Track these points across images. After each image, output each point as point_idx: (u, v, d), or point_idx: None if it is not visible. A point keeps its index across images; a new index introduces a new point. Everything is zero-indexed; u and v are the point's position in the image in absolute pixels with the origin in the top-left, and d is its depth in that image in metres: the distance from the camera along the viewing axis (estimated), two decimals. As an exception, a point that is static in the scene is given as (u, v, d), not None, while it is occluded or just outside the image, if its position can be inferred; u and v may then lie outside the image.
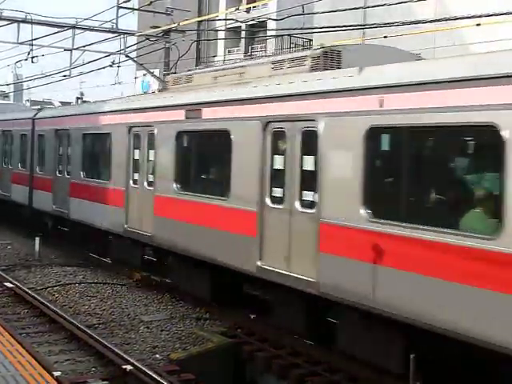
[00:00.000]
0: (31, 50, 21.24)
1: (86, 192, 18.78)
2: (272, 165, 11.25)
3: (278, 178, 11.14)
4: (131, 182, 16.19)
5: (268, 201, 11.25)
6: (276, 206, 11.11)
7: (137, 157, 16.05)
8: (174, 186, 14.15)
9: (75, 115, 20.47)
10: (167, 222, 14.41)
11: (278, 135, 11.18)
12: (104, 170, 17.98)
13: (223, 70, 14.29)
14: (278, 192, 11.14)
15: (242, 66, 13.59)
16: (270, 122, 11.29)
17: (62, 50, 22.00)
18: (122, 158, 16.53)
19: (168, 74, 23.13)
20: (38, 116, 23.86)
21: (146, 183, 15.49)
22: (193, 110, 13.70)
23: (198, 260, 13.20)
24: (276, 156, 11.21)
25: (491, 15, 11.54)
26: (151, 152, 15.37)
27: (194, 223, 13.21)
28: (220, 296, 13.58)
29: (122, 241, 16.97)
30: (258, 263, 11.32)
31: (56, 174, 21.16)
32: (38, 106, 31.33)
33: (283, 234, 10.84)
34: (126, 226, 16.23)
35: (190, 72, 15.82)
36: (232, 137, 12.21)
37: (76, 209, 19.44)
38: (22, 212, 24.59)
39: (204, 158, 14.11)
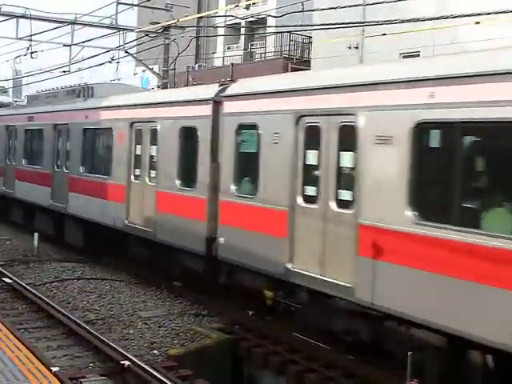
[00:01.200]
0: (30, 45, 21.25)
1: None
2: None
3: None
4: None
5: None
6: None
7: None
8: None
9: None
10: None
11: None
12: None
13: None
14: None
15: None
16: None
17: (62, 45, 21.99)
18: None
19: (167, 71, 23.16)
20: (228, 93, 13.16)
21: None
22: None
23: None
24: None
25: (490, 13, 11.55)
26: None
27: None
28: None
29: None
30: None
31: (297, 203, 10.94)
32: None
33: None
34: None
35: None
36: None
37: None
38: (182, 261, 14.73)
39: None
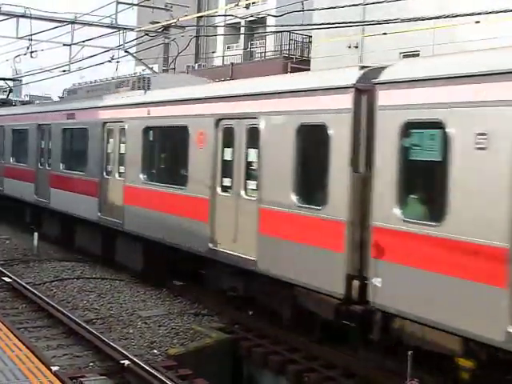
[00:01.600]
0: (30, 44, 21.26)
1: None
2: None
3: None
4: None
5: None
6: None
7: None
8: None
9: None
10: None
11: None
12: None
13: None
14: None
15: None
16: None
17: (62, 44, 22.00)
18: None
19: (167, 70, 23.16)
20: (387, 77, 9.41)
21: None
22: None
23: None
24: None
25: (490, 12, 11.56)
26: None
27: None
28: None
29: None
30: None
31: None
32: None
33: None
34: None
35: None
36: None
37: None
38: (296, 300, 11.11)
39: None
